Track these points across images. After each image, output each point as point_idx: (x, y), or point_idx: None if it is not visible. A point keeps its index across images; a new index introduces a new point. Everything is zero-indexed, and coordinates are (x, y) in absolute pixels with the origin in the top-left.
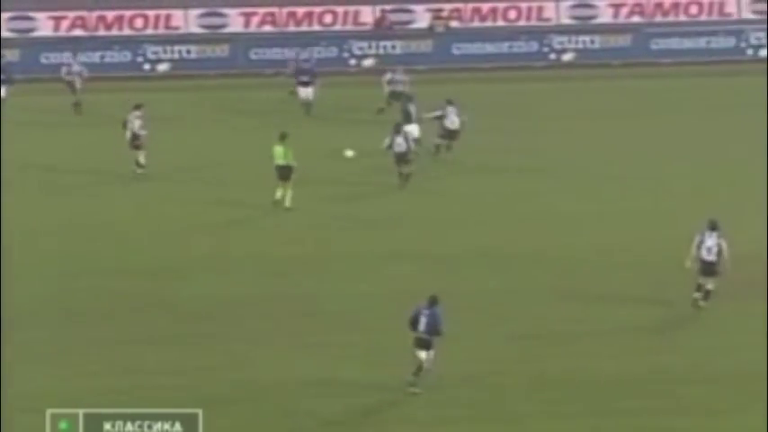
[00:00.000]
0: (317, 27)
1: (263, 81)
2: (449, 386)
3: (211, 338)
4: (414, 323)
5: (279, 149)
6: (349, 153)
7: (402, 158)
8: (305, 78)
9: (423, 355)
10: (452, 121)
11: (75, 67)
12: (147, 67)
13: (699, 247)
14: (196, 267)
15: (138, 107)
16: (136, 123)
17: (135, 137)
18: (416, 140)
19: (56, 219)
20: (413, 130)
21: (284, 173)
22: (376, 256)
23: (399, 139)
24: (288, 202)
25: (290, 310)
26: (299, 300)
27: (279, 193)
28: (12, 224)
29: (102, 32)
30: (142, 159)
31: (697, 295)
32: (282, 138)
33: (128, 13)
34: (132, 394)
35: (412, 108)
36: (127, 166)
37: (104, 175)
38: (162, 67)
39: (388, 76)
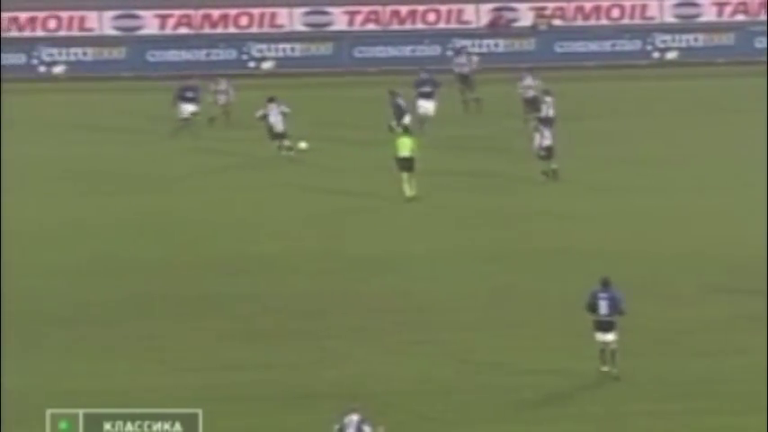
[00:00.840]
0: (420, 25)
1: (366, 79)
2: (541, 382)
3: (309, 335)
4: (592, 307)
5: (406, 141)
6: (302, 145)
7: (550, 152)
8: (426, 89)
9: (606, 337)
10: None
11: (222, 86)
12: (251, 64)
13: None
14: (303, 261)
15: (272, 100)
16: (278, 115)
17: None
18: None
19: (156, 214)
20: (406, 120)
21: (409, 164)
22: (471, 253)
23: (547, 132)
24: (413, 191)
25: (389, 306)
26: (400, 296)
27: (408, 191)
28: (101, 222)
29: (207, 30)
30: (288, 143)
31: None
32: (406, 130)
33: (233, 12)
34: (229, 390)
35: (401, 101)
36: (236, 157)
37: (214, 168)
38: (266, 65)
39: (522, 82)
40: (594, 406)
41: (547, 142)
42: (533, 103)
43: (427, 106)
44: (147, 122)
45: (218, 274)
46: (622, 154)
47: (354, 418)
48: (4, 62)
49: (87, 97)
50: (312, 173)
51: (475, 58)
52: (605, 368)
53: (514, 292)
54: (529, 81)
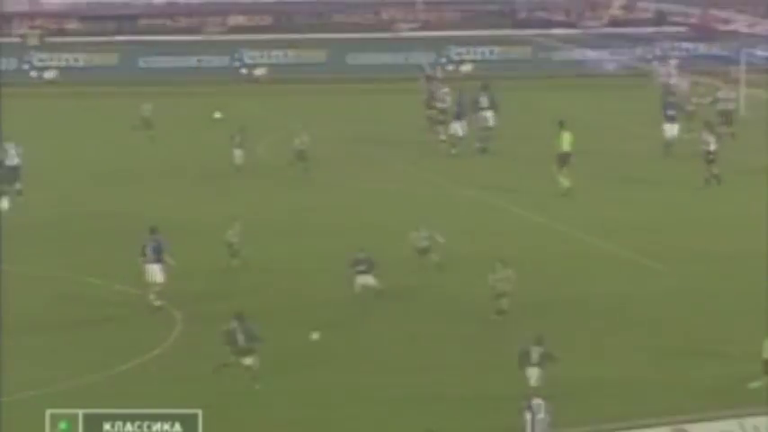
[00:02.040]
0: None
1: (561, 82)
2: (728, 388)
3: (511, 338)
4: None
5: (568, 136)
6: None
7: (712, 156)
8: (672, 113)
9: None
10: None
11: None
12: (450, 68)
13: None
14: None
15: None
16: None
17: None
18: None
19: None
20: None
21: (567, 158)
22: (644, 254)
23: (706, 137)
24: (569, 184)
25: (591, 310)
26: (598, 299)
27: (566, 182)
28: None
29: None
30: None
31: None
32: (563, 125)
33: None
34: (423, 389)
35: (465, 99)
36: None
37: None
38: (465, 68)
39: (719, 93)
40: None
41: (713, 147)
42: (726, 116)
43: (670, 126)
44: (343, 124)
45: (404, 272)
46: None
47: (539, 401)
48: (207, 65)
49: (286, 99)
50: (495, 171)
51: (674, 72)
52: None
53: (691, 293)
54: (725, 92)
